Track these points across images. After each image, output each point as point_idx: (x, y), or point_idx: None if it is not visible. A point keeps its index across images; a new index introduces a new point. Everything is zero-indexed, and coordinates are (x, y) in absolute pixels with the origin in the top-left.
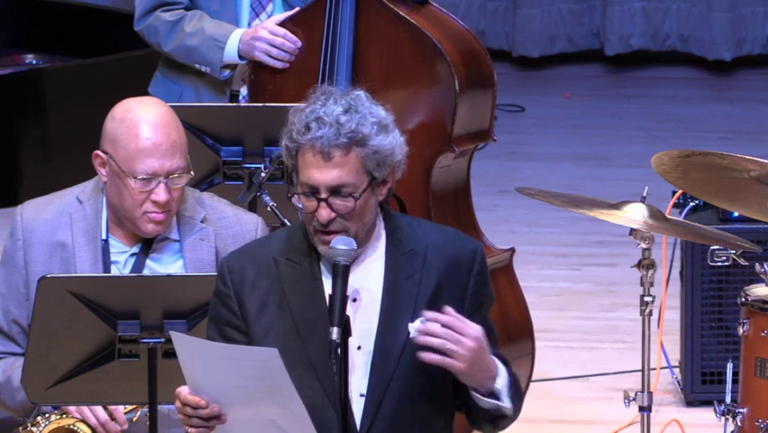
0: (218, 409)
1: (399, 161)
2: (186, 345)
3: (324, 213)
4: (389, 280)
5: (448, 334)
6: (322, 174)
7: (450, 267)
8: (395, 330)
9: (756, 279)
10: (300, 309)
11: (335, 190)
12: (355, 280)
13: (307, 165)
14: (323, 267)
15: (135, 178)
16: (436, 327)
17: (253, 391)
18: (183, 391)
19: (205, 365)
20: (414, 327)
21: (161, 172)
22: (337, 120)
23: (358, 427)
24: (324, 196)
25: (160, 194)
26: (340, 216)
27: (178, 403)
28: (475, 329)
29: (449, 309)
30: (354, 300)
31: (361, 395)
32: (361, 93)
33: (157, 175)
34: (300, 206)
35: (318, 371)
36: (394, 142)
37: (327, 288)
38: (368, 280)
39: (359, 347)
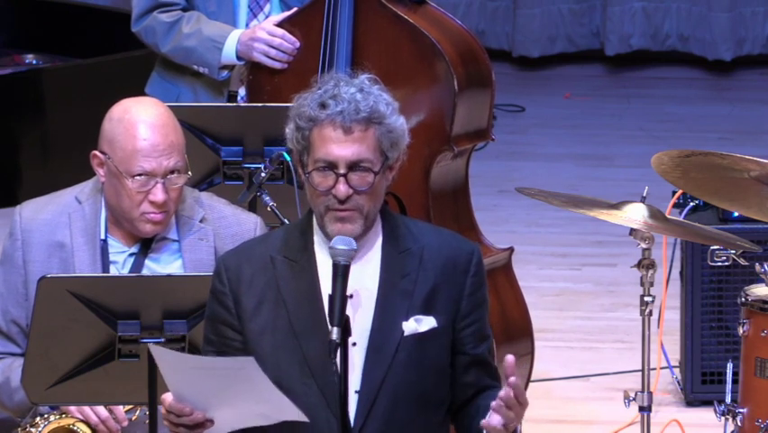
0: (202, 417)
1: (405, 148)
2: (165, 357)
3: (343, 188)
4: (385, 278)
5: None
6: (342, 149)
7: (446, 268)
8: (389, 328)
9: (756, 279)
10: (296, 307)
11: (353, 165)
12: (352, 277)
13: (326, 140)
14: (319, 265)
15: (133, 178)
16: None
17: (235, 396)
18: (168, 397)
19: (185, 376)
20: (408, 327)
21: (159, 172)
22: (354, 97)
23: (352, 423)
24: (342, 171)
25: (158, 194)
26: (356, 193)
27: (163, 410)
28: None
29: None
30: (351, 297)
31: (356, 392)
32: (364, 77)
33: (154, 175)
34: (315, 182)
35: (313, 369)
36: (404, 126)
37: (324, 286)
38: (364, 277)
39: (354, 344)
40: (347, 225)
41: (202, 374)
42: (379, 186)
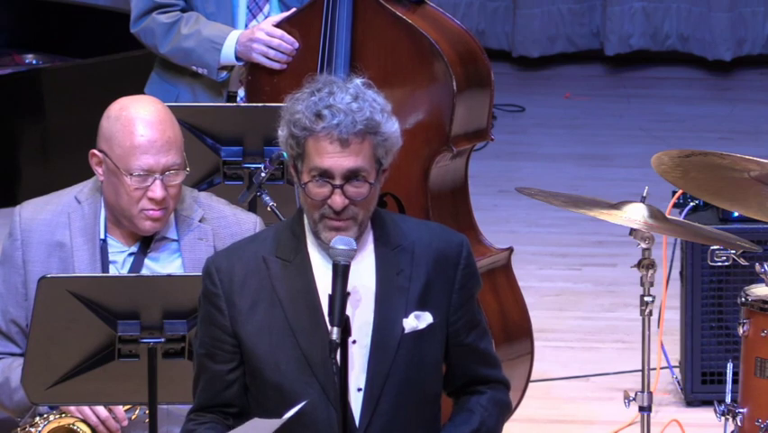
0: None
1: (397, 151)
2: None
3: (339, 199)
4: (381, 275)
5: None
6: (338, 161)
7: (438, 261)
8: (390, 325)
9: (756, 279)
10: (293, 307)
11: (350, 176)
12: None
13: (322, 152)
14: (314, 264)
15: (131, 175)
16: None
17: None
18: None
19: None
20: (409, 324)
21: (157, 169)
22: (350, 108)
23: (357, 422)
24: (339, 182)
25: (156, 191)
26: (352, 204)
27: None
28: None
29: None
30: (348, 294)
31: (359, 390)
32: (358, 81)
33: (153, 172)
34: (311, 193)
35: (315, 367)
36: (397, 131)
37: (320, 284)
38: (360, 275)
39: (354, 342)
40: (342, 234)
41: None
42: (373, 194)
